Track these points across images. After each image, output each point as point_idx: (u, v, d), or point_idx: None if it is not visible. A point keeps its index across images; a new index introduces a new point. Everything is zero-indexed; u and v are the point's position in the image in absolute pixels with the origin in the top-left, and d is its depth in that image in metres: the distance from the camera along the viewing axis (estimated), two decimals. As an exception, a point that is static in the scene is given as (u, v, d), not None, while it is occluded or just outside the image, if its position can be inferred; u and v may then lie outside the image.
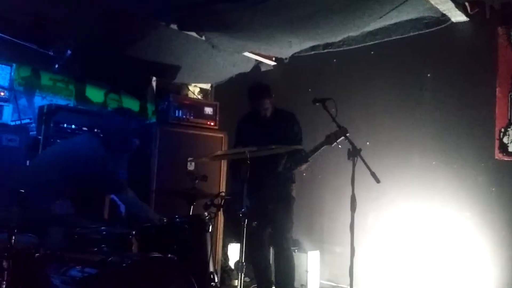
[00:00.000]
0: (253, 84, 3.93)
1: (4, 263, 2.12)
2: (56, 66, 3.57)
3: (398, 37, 4.36)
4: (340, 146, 3.28)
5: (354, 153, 2.97)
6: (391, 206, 4.17)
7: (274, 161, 3.75)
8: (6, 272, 2.11)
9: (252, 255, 3.78)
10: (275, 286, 3.84)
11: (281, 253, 3.78)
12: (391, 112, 4.38)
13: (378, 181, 2.93)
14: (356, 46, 4.64)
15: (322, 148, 3.45)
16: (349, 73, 4.70)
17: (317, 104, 3.25)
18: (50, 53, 3.45)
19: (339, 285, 4.45)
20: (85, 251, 2.65)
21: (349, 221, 2.92)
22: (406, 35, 4.31)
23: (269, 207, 3.60)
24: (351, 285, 2.91)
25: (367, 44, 4.57)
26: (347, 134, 3.17)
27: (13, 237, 2.15)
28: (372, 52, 4.58)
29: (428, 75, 4.24)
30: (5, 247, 2.14)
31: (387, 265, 4.15)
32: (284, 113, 3.94)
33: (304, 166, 3.69)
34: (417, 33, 4.23)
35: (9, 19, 3.67)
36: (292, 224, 3.82)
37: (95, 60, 4.53)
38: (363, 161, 2.96)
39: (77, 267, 2.45)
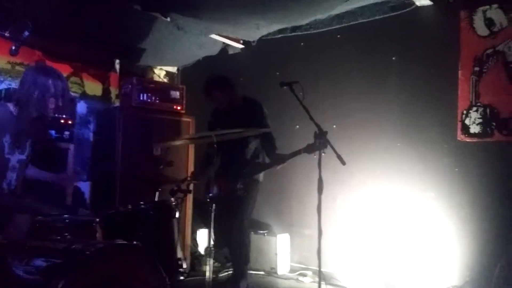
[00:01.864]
0: (206, 79, 3.96)
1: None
2: (13, 48, 3.39)
3: (364, 20, 4.38)
4: (315, 156, 3.27)
5: (320, 136, 2.98)
6: (358, 188, 4.22)
7: (241, 148, 3.73)
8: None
9: (222, 239, 3.79)
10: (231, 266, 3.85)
11: (233, 235, 3.78)
12: (357, 95, 4.41)
13: (343, 163, 2.95)
14: (323, 30, 4.64)
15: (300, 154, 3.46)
16: (316, 56, 4.70)
17: (284, 87, 3.23)
18: (5, 34, 3.26)
19: (309, 267, 4.50)
20: (47, 239, 2.57)
21: (317, 204, 2.94)
22: (372, 19, 4.33)
23: (233, 191, 3.59)
24: (319, 266, 2.94)
25: (334, 27, 4.57)
26: (324, 149, 3.11)
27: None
28: (339, 36, 4.58)
29: (393, 58, 4.28)
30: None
31: (355, 246, 4.22)
32: (250, 102, 3.95)
33: (279, 167, 3.70)
34: (382, 16, 4.26)
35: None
36: (247, 205, 3.82)
37: (56, 42, 4.34)
38: (329, 144, 2.97)
39: (40, 256, 2.37)
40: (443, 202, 3.81)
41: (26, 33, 3.26)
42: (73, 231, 2.66)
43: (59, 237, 2.61)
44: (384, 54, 4.31)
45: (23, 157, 2.95)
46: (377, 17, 4.29)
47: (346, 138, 3.94)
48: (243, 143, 3.77)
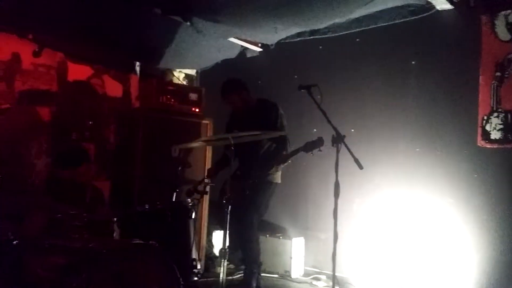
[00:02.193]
0: (222, 83, 3.98)
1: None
2: (37, 49, 3.48)
3: (383, 24, 4.34)
4: (312, 154, 3.34)
5: (338, 139, 2.98)
6: (376, 193, 4.18)
7: (256, 149, 3.74)
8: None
9: (237, 240, 3.80)
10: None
11: (242, 234, 3.77)
12: (376, 99, 4.38)
13: (361, 167, 2.94)
14: (342, 33, 4.62)
15: (299, 153, 3.48)
16: (335, 60, 4.68)
17: (302, 90, 3.23)
18: (29, 37, 3.35)
19: (323, 271, 4.48)
20: (66, 237, 2.62)
21: (332, 208, 2.93)
22: (392, 23, 4.29)
23: (247, 192, 3.59)
24: (333, 271, 2.93)
25: (353, 31, 4.54)
26: (322, 146, 3.26)
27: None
28: (358, 39, 4.56)
29: (413, 62, 4.24)
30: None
31: (371, 251, 4.18)
32: (265, 103, 3.97)
33: (283, 165, 3.72)
34: (402, 20, 4.22)
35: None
36: (257, 205, 3.81)
37: (78, 44, 4.43)
38: (347, 147, 2.97)
39: (58, 253, 2.42)
40: (461, 208, 3.75)
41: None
42: (91, 229, 2.70)
43: (77, 235, 2.65)
44: (404, 58, 4.28)
45: (49, 160, 3.02)
46: (396, 21, 4.25)
47: (364, 142, 3.94)
48: (258, 145, 3.79)
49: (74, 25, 4.14)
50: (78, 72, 4.71)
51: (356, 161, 2.95)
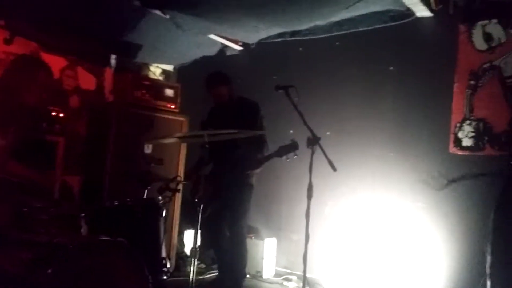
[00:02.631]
0: (209, 73, 3.90)
1: None
2: (7, 37, 3.36)
3: (364, 28, 4.37)
4: (288, 160, 3.33)
5: (313, 141, 2.97)
6: (349, 196, 4.20)
7: (232, 149, 3.70)
8: None
9: (210, 240, 3.76)
10: (228, 270, 3.81)
11: (232, 239, 3.75)
12: (354, 103, 4.40)
13: (334, 169, 2.94)
14: (322, 36, 4.62)
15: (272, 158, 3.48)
16: (314, 62, 4.69)
17: (280, 91, 3.21)
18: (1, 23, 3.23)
19: (294, 272, 4.48)
20: (32, 231, 2.53)
21: (306, 209, 2.91)
22: (372, 27, 4.32)
23: (223, 193, 3.56)
24: (304, 271, 2.92)
25: (334, 34, 4.56)
26: (297, 151, 3.26)
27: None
28: (338, 43, 4.58)
29: (391, 68, 4.28)
30: None
31: (342, 253, 4.20)
32: (246, 101, 3.92)
33: (257, 171, 3.69)
34: (382, 25, 4.25)
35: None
36: (246, 210, 3.81)
37: (52, 34, 4.30)
38: (322, 149, 2.96)
39: (24, 248, 2.35)
40: (432, 213, 3.80)
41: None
42: (58, 224, 2.62)
43: (43, 230, 2.57)
44: (382, 64, 4.31)
45: (4, 142, 2.91)
46: (376, 26, 4.28)
47: (339, 145, 3.93)
48: (235, 144, 3.70)
49: (48, 13, 4.02)
50: (51, 62, 4.57)
51: (330, 163, 2.95)
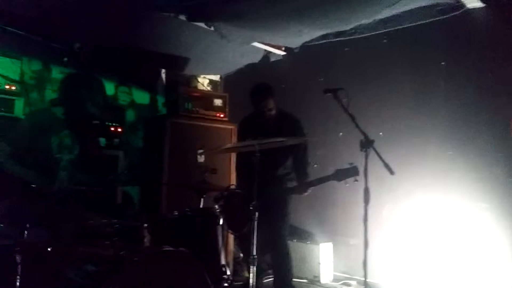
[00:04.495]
0: (256, 84, 3.85)
1: (17, 258, 2.12)
2: (66, 59, 3.55)
3: (410, 24, 4.26)
4: (347, 185, 3.27)
5: (366, 144, 2.91)
6: (406, 198, 4.08)
7: (275, 163, 3.69)
8: (19, 266, 2.11)
9: (265, 246, 3.77)
10: (280, 274, 3.81)
11: (274, 246, 3.75)
12: (405, 101, 4.30)
13: (392, 172, 2.87)
14: (368, 34, 4.54)
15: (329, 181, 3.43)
16: (361, 62, 4.62)
17: (328, 94, 3.18)
18: (57, 46, 3.42)
19: (354, 277, 4.42)
20: (97, 244, 2.64)
21: (362, 213, 2.87)
22: (420, 23, 4.20)
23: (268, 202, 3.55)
24: (365, 277, 2.88)
25: (380, 32, 4.47)
26: (357, 176, 3.18)
27: (25, 232, 2.14)
28: (385, 40, 4.48)
29: (442, 63, 4.14)
30: (17, 242, 2.14)
31: (403, 257, 4.09)
32: (289, 116, 3.87)
33: (305, 194, 3.62)
34: (430, 20, 4.13)
35: (17, 14, 3.65)
36: (287, 216, 3.78)
37: (105, 53, 4.50)
38: (376, 152, 2.90)
39: (91, 261, 2.45)
40: (496, 213, 3.63)
41: (78, 45, 3.40)
42: (122, 235, 2.71)
43: (108, 242, 2.67)
44: (432, 59, 4.18)
45: (72, 156, 3.09)
46: (424, 21, 4.17)
47: (393, 145, 3.83)
48: (277, 159, 3.66)
49: (100, 34, 4.21)
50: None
51: (386, 166, 2.88)
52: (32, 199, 2.31)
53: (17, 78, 3.69)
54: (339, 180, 3.32)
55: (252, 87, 3.81)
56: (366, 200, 2.86)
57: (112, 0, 3.71)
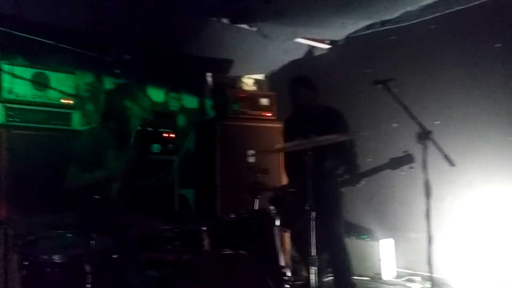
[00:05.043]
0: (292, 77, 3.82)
1: (86, 267, 2.19)
2: (117, 71, 3.67)
3: (460, 7, 4.08)
4: (403, 173, 3.19)
5: (424, 136, 2.81)
6: (468, 189, 3.92)
7: (322, 160, 3.58)
8: (89, 275, 2.18)
9: (323, 245, 3.72)
10: (339, 273, 3.76)
11: (331, 244, 3.68)
12: (460, 87, 4.12)
13: (452, 164, 2.76)
14: (415, 21, 4.40)
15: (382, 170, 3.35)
16: (410, 50, 4.47)
17: (378, 85, 3.10)
18: (108, 59, 3.53)
19: (417, 272, 4.29)
20: (159, 249, 2.70)
21: (423, 207, 2.78)
22: (469, 5, 4.02)
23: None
24: (430, 273, 2.79)
25: (428, 17, 4.31)
26: (413, 163, 3.09)
27: (92, 242, 2.22)
28: (434, 26, 4.32)
29: (497, 45, 3.94)
30: (85, 251, 2.21)
31: (467, 251, 3.93)
32: (332, 110, 3.78)
33: (359, 185, 3.56)
34: (480, 1, 3.94)
35: (69, 29, 3.80)
36: (341, 212, 3.73)
37: (153, 61, 4.61)
38: (435, 143, 2.80)
39: (154, 267, 2.50)
40: None
41: (128, 57, 3.49)
42: (183, 240, 2.76)
43: (170, 247, 2.73)
44: (486, 42, 3.98)
45: (129, 169, 3.18)
46: (475, 3, 3.98)
47: (450, 134, 3.68)
48: (326, 154, 3.56)
49: (147, 43, 4.32)
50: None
51: (446, 157, 2.78)
52: (97, 209, 2.38)
53: (72, 91, 3.83)
54: (394, 168, 3.22)
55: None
56: (428, 194, 2.76)
57: (158, 10, 3.78)
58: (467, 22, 4.09)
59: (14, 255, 2.50)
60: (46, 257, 2.23)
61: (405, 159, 3.19)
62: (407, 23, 4.47)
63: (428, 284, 3.95)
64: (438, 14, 4.24)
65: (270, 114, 4.86)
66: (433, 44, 4.32)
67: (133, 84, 3.34)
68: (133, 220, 2.91)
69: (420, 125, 2.86)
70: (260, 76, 5.94)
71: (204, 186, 4.60)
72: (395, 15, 4.42)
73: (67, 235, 2.51)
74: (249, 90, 5.45)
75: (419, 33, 4.40)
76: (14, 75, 3.49)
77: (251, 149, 4.52)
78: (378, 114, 4.52)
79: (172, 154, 4.24)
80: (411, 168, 3.10)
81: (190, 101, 5.27)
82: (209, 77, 5.38)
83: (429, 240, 2.74)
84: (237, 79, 5.67)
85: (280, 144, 4.20)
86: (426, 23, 4.33)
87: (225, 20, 4.20)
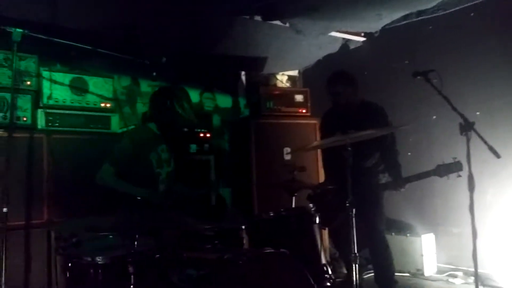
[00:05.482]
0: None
1: (130, 268, 2.22)
2: (154, 73, 3.73)
3: (500, -7, 3.93)
4: (449, 178, 3.09)
5: (467, 127, 2.72)
6: (511, 181, 3.78)
7: (363, 156, 3.52)
8: (132, 276, 2.22)
9: (363, 241, 3.66)
10: (379, 270, 3.70)
11: (372, 241, 3.62)
12: (500, 76, 3.96)
13: (498, 156, 2.66)
14: (453, 10, 4.26)
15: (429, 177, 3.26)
16: (448, 39, 4.33)
17: (419, 77, 3.02)
18: (146, 62, 3.59)
19: (459, 268, 4.18)
20: (200, 248, 2.72)
21: (464, 201, 2.70)
22: (511, -11, 3.86)
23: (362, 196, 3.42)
24: (475, 268, 2.70)
25: (465, 5, 4.18)
26: (461, 172, 2.98)
27: (135, 242, 2.26)
28: (472, 14, 4.17)
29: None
30: (128, 253, 2.25)
31: (510, 245, 3.79)
32: (372, 105, 3.69)
33: (402, 189, 3.46)
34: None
35: (105, 35, 3.88)
36: (382, 208, 3.65)
37: (188, 62, 4.65)
38: (479, 135, 2.71)
39: (195, 265, 2.52)
40: None
41: (164, 59, 3.53)
42: (222, 238, 2.78)
43: (210, 246, 2.75)
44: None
45: (170, 169, 3.23)
46: (517, -13, 3.82)
47: (492, 125, 3.57)
48: (365, 150, 3.49)
49: (181, 45, 4.36)
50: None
51: (491, 148, 2.68)
52: (138, 210, 2.42)
53: (110, 95, 3.92)
54: (441, 176, 3.13)
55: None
56: (471, 188, 2.68)
57: (190, 11, 3.81)
58: (506, 8, 3.92)
59: (58, 257, 2.57)
60: (89, 258, 2.29)
61: (453, 167, 3.09)
62: (444, 12, 4.33)
63: (470, 279, 3.85)
64: (476, 1, 4.10)
65: (304, 111, 4.82)
66: (472, 33, 4.18)
67: (177, 86, 3.37)
68: (173, 220, 2.96)
69: (462, 116, 2.77)
70: (294, 73, 5.90)
71: (240, 185, 4.61)
72: (432, 4, 4.29)
73: (110, 236, 2.57)
74: (282, 87, 5.44)
75: (457, 22, 4.27)
76: (54, 81, 3.61)
77: (286, 146, 4.50)
78: (418, 106, 4.41)
79: (208, 154, 4.29)
80: (458, 176, 2.99)
81: (225, 101, 5.30)
82: (242, 75, 5.39)
83: (474, 234, 2.65)
84: (271, 77, 5.66)
85: (317, 141, 4.16)
86: (464, 11, 4.20)
87: (257, 17, 4.18)
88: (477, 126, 2.75)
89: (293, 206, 3.45)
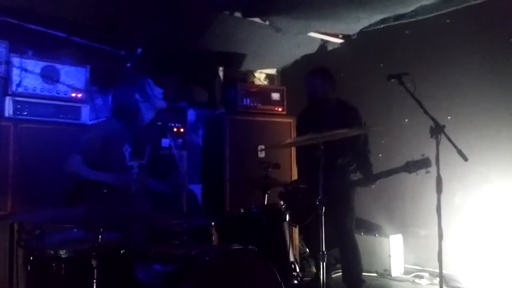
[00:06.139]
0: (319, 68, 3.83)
1: (93, 262, 2.17)
2: (129, 65, 3.66)
3: (476, 2, 4.00)
4: (418, 175, 3.18)
5: (437, 130, 2.77)
6: (480, 185, 3.87)
7: (335, 156, 3.57)
8: (95, 270, 2.17)
9: (332, 239, 3.69)
10: (347, 269, 3.75)
11: (341, 240, 3.68)
12: (473, 82, 4.05)
13: (466, 159, 2.72)
14: (430, 15, 4.32)
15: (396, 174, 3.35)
16: (424, 44, 4.40)
17: (392, 80, 3.06)
18: (121, 53, 3.53)
19: (425, 269, 4.25)
20: (167, 244, 2.69)
21: (433, 203, 2.75)
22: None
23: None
24: (440, 269, 2.75)
25: (442, 12, 4.24)
26: (429, 168, 3.07)
27: (100, 236, 2.21)
28: (448, 20, 4.24)
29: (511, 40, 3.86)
30: (93, 246, 2.20)
31: (478, 247, 3.88)
32: (347, 105, 3.77)
33: (372, 186, 3.57)
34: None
35: (81, 24, 3.80)
36: (352, 208, 3.71)
37: (164, 55, 4.60)
38: (448, 138, 2.77)
39: (162, 261, 2.49)
40: None
41: (139, 50, 3.48)
42: (191, 235, 2.75)
43: (178, 242, 2.72)
44: (500, 37, 3.91)
45: (143, 162, 3.18)
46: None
47: (463, 129, 3.63)
48: (338, 150, 3.52)
49: (159, 37, 4.30)
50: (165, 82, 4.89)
51: (459, 152, 2.74)
52: (104, 203, 2.38)
53: (82, 86, 3.83)
54: (410, 172, 3.20)
55: None
56: (439, 190, 2.74)
57: (169, 3, 3.76)
58: (482, 16, 4.01)
59: (20, 249, 2.50)
60: (52, 251, 2.23)
61: (422, 163, 3.16)
62: (422, 18, 4.39)
63: (436, 280, 3.92)
64: (453, 8, 4.16)
65: (280, 109, 4.83)
66: (447, 39, 4.25)
67: (143, 77, 3.33)
68: (141, 214, 2.92)
69: (433, 119, 2.83)
70: (272, 71, 5.90)
71: (213, 181, 4.59)
72: (410, 9, 4.35)
73: (74, 229, 2.51)
74: (260, 85, 5.42)
75: (433, 27, 4.33)
76: (24, 69, 3.51)
77: (261, 144, 4.49)
78: (390, 109, 4.47)
79: (181, 149, 4.24)
80: (427, 172, 3.05)
81: (201, 96, 5.25)
82: (220, 71, 5.36)
83: (440, 236, 2.71)
84: (249, 74, 5.64)
85: (291, 139, 4.17)
86: (440, 17, 4.26)
87: (237, 14, 4.16)
88: (447, 129, 2.81)
89: (265, 203, 3.44)
